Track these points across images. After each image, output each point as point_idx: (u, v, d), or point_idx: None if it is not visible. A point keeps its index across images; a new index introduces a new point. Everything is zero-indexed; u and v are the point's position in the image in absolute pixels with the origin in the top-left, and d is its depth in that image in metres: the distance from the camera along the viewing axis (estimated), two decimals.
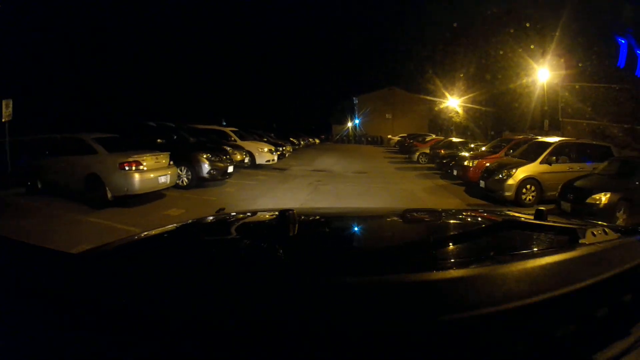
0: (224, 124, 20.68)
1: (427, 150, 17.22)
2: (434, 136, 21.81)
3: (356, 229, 1.35)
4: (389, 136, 35.01)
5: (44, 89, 18.30)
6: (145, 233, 1.13)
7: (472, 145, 14.55)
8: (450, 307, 0.55)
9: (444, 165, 12.54)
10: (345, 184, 10.14)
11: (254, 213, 1.55)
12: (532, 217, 1.10)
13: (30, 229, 4.99)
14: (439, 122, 30.96)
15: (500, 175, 7.82)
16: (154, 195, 6.97)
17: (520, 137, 11.82)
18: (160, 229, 1.17)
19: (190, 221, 1.31)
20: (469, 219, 1.51)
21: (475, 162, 9.75)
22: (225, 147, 10.48)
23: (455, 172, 10.89)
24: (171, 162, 7.32)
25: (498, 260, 0.80)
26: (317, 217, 1.51)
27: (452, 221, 1.50)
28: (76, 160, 6.61)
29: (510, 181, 7.62)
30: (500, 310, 0.54)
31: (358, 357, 0.49)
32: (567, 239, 0.84)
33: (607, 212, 5.75)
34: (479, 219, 1.49)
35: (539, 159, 7.80)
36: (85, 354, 0.50)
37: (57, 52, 21.10)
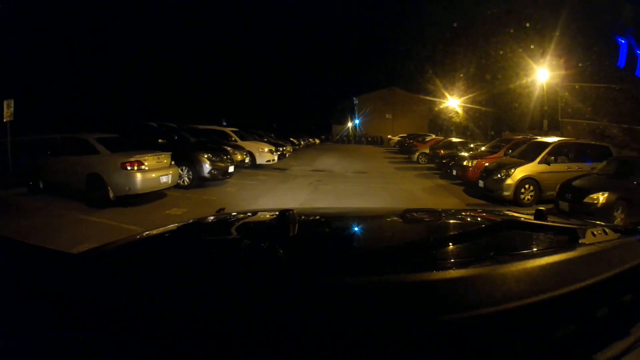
0: (224, 124, 20.70)
1: (427, 151, 17.23)
2: (433, 136, 21.80)
3: (356, 229, 1.35)
4: (389, 136, 35.01)
5: (44, 89, 18.30)
6: (145, 233, 1.13)
7: (472, 145, 14.54)
8: (450, 307, 0.55)
9: (444, 165, 12.55)
10: (345, 184, 10.15)
11: (254, 213, 1.55)
12: (532, 217, 1.10)
13: (33, 228, 5.02)
14: (439, 122, 30.97)
15: (498, 175, 7.85)
16: (156, 195, 7.00)
17: (519, 137, 11.84)
18: (160, 229, 1.17)
19: (190, 221, 1.31)
20: (468, 219, 1.51)
21: (475, 162, 9.77)
22: (225, 147, 10.50)
23: (454, 172, 10.90)
24: (172, 162, 7.35)
25: (498, 260, 0.80)
26: (317, 217, 1.51)
27: (452, 221, 1.50)
28: (78, 160, 6.64)
29: (508, 181, 7.64)
30: (500, 310, 0.54)
31: (358, 357, 0.49)
32: (567, 239, 0.83)
33: (604, 211, 5.76)
34: (479, 219, 1.49)
35: (538, 159, 7.83)
36: (85, 354, 0.50)
37: (57, 52, 21.11)
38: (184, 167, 8.27)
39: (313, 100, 55.74)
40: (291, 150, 19.46)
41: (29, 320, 0.56)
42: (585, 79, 15.64)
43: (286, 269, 0.80)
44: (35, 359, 0.51)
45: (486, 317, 0.53)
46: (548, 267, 0.66)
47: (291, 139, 23.22)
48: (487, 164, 8.68)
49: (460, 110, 25.58)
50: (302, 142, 27.34)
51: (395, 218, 1.49)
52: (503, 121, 21.87)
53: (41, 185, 7.15)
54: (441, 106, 27.26)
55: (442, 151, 14.34)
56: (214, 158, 8.81)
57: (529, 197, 7.68)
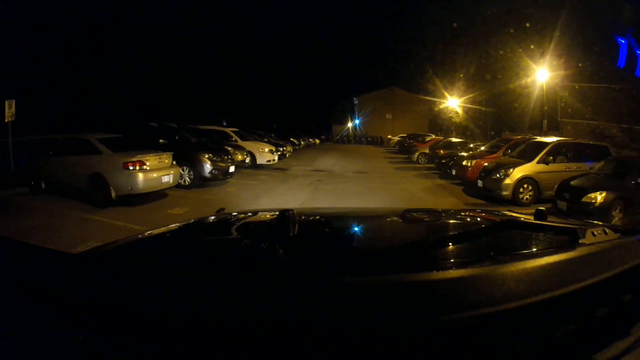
0: (225, 124, 20.71)
1: (427, 151, 17.23)
2: (433, 136, 21.79)
3: (356, 229, 1.35)
4: (389, 136, 35.01)
5: (44, 89, 18.31)
6: (145, 233, 1.12)
7: (472, 145, 14.53)
8: (450, 307, 0.55)
9: (443, 165, 12.56)
10: (345, 184, 10.16)
11: (254, 213, 1.55)
12: (532, 217, 1.10)
13: (35, 227, 5.04)
14: (439, 122, 30.96)
15: (497, 175, 7.87)
16: (157, 195, 7.04)
17: (519, 137, 11.86)
18: (160, 229, 1.17)
19: (189, 221, 1.31)
20: (468, 219, 1.51)
21: (474, 162, 9.79)
22: (226, 147, 10.53)
23: (453, 172, 10.91)
24: (174, 162, 7.39)
25: (498, 260, 0.80)
26: (317, 217, 1.51)
27: (452, 221, 1.50)
28: (80, 160, 6.68)
29: (507, 180, 7.66)
30: (500, 310, 0.54)
31: (358, 357, 0.49)
32: (567, 239, 0.83)
33: (602, 210, 5.78)
34: (479, 219, 1.49)
35: (536, 159, 7.85)
36: (85, 354, 0.50)
37: (57, 52, 21.11)
38: (185, 167, 8.31)
39: (313, 100, 55.85)
40: (291, 150, 19.46)
41: (29, 320, 0.56)
42: (585, 79, 15.64)
43: (286, 269, 0.80)
44: (35, 359, 0.51)
45: (486, 317, 0.53)
46: (548, 267, 0.66)
47: (291, 139, 23.23)
48: (486, 164, 8.70)
49: (460, 110, 25.58)
50: (302, 142, 27.34)
51: (395, 218, 1.49)
52: (503, 121, 21.87)
53: (43, 185, 7.19)
54: (441, 106, 27.25)
55: (441, 151, 14.35)
56: (214, 158, 8.85)
57: (528, 196, 7.70)
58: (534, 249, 0.93)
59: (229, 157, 9.58)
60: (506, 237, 1.01)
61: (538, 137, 9.77)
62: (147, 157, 6.61)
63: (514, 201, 7.57)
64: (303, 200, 7.59)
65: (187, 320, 0.52)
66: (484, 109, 22.83)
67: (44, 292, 0.60)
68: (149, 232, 1.14)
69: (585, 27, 15.28)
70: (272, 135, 20.38)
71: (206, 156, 8.68)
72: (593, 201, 5.91)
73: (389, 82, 43.37)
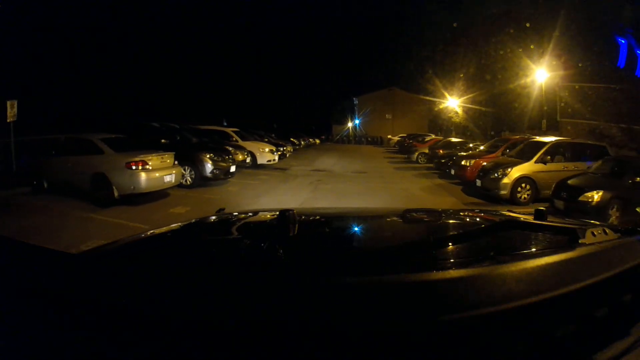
0: (225, 124, 20.71)
1: (426, 150, 17.24)
2: (433, 136, 21.79)
3: (356, 229, 1.35)
4: (389, 136, 35.00)
5: (44, 89, 18.31)
6: (145, 233, 1.13)
7: (471, 145, 14.55)
8: (450, 307, 0.54)
9: (442, 164, 12.59)
10: (345, 184, 10.18)
11: (254, 213, 1.55)
12: (531, 217, 1.10)
13: (38, 226, 5.07)
14: (438, 123, 30.96)
15: (495, 174, 7.89)
16: (159, 194, 7.09)
17: (517, 137, 11.88)
18: (160, 229, 1.17)
19: (189, 221, 1.31)
20: (468, 219, 1.51)
21: (472, 161, 9.83)
22: (227, 147, 10.57)
23: (452, 172, 10.94)
24: (176, 162, 7.45)
25: (498, 260, 0.80)
26: (317, 217, 1.51)
27: (452, 221, 1.50)
28: (83, 160, 6.74)
29: (505, 180, 7.68)
30: (500, 310, 0.54)
31: (358, 357, 0.49)
32: (567, 239, 0.83)
33: (599, 209, 5.79)
34: (479, 219, 1.50)
35: (534, 158, 7.88)
36: (85, 354, 0.50)
37: (57, 52, 21.11)
38: (186, 167, 8.36)
39: (313, 100, 55.89)
40: (291, 150, 19.48)
41: (29, 320, 0.56)
42: (584, 79, 15.62)
43: (286, 269, 0.80)
44: (35, 359, 0.51)
45: (486, 317, 0.53)
46: (548, 267, 0.66)
47: (291, 139, 23.25)
48: (484, 164, 8.73)
49: (460, 110, 25.56)
50: (302, 142, 27.34)
51: (395, 218, 1.49)
52: (503, 121, 21.86)
53: (45, 185, 7.22)
54: (441, 106, 27.23)
55: (441, 151, 14.38)
56: (216, 158, 8.90)
57: (525, 196, 7.73)
58: (534, 249, 0.93)
59: (230, 157, 9.64)
60: (506, 237, 1.01)
61: (537, 137, 9.79)
62: (150, 157, 6.67)
63: (512, 200, 7.59)
64: (303, 200, 7.62)
65: (187, 320, 0.52)
66: (483, 109, 22.82)
67: (44, 292, 0.60)
68: (149, 232, 1.14)
69: (585, 27, 15.26)
70: (273, 135, 20.41)
71: (207, 156, 8.74)
72: (590, 200, 5.92)
73: (389, 82, 43.38)
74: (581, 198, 6.00)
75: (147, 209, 6.32)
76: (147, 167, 6.53)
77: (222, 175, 9.00)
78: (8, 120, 8.82)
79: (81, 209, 6.05)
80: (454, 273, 0.66)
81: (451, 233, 1.25)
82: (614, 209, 5.91)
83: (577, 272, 0.66)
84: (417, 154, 18.25)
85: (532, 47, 17.31)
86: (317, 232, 1.26)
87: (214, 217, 1.41)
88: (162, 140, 8.82)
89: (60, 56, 21.55)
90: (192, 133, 10.81)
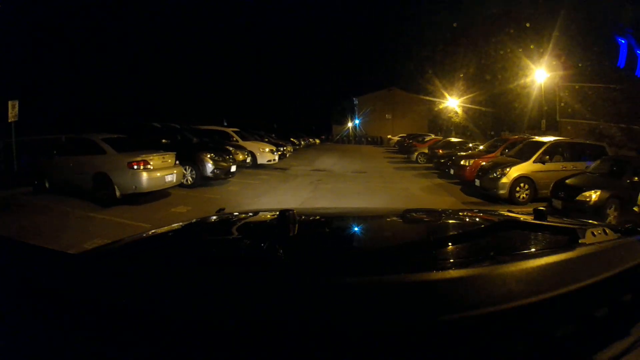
0: (225, 124, 20.72)
1: (426, 150, 17.25)
2: (432, 136, 21.78)
3: (356, 229, 1.35)
4: (389, 136, 35.00)
5: (44, 89, 18.31)
6: (145, 233, 1.13)
7: (470, 145, 14.56)
8: (450, 307, 0.54)
9: (442, 164, 12.60)
10: (345, 183, 10.19)
11: (254, 213, 1.55)
12: (531, 217, 1.10)
13: (40, 226, 5.08)
14: (438, 123, 30.95)
15: (494, 174, 7.90)
16: (160, 194, 7.13)
17: (516, 136, 11.90)
18: (160, 229, 1.17)
19: (190, 221, 1.31)
20: (468, 219, 1.51)
21: (471, 161, 9.86)
22: (227, 147, 10.61)
23: (452, 172, 10.96)
24: (177, 162, 7.49)
25: (498, 260, 0.80)
26: (317, 217, 1.51)
27: (452, 221, 1.50)
28: (85, 160, 6.77)
29: (504, 180, 7.70)
30: (500, 310, 0.54)
31: (358, 357, 0.49)
32: (567, 239, 0.83)
33: (597, 209, 5.80)
34: (479, 219, 1.50)
35: (533, 158, 7.90)
36: (85, 354, 0.50)
37: (57, 52, 21.12)
38: (187, 167, 8.40)
39: (313, 100, 55.95)
40: (292, 150, 19.49)
41: (29, 320, 0.56)
42: (584, 79, 15.63)
43: (286, 269, 0.80)
44: (35, 359, 0.51)
45: (486, 317, 0.53)
46: (548, 267, 0.66)
47: (291, 139, 23.28)
48: (483, 163, 8.75)
49: (459, 111, 25.56)
50: (302, 142, 27.36)
51: (395, 218, 1.49)
52: (502, 121, 21.86)
53: (47, 185, 7.24)
54: (441, 106, 27.22)
55: (440, 151, 14.40)
56: (216, 158, 8.94)
57: (524, 195, 7.75)
58: (534, 249, 0.93)
59: (231, 157, 9.68)
60: (506, 237, 1.01)
61: (535, 137, 9.80)
62: (151, 157, 6.71)
63: (511, 200, 7.62)
64: (303, 200, 7.63)
65: (187, 320, 0.52)
66: (483, 109, 22.83)
67: (44, 292, 0.60)
68: (149, 232, 1.14)
69: (584, 27, 15.26)
70: (273, 135, 20.43)
71: (208, 156, 8.79)
72: (587, 200, 5.93)
73: (389, 82, 43.42)
74: (579, 197, 6.01)
75: (149, 209, 6.36)
76: (149, 166, 6.57)
77: (222, 175, 9.05)
78: (9, 121, 8.85)
79: (83, 209, 6.08)
80: (454, 273, 0.66)
81: (451, 233, 1.25)
82: (612, 209, 5.91)
83: (577, 272, 0.66)
84: (416, 154, 18.26)
85: (531, 47, 17.31)
86: (317, 232, 1.26)
87: (214, 217, 1.41)
88: (163, 140, 8.86)
89: (60, 56, 21.58)
90: (192, 133, 10.84)
